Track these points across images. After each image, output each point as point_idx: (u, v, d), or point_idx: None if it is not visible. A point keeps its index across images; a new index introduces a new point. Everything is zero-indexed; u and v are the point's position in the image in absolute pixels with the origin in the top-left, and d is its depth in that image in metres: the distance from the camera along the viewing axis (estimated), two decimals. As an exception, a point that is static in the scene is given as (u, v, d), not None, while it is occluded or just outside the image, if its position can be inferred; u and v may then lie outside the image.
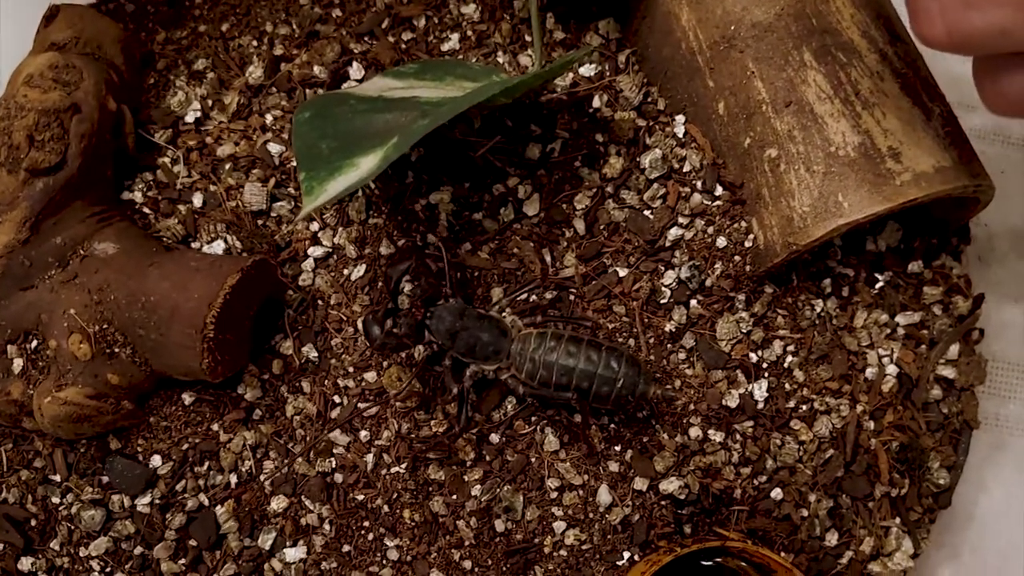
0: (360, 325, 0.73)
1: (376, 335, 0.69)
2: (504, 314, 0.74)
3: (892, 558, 0.78)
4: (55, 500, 0.73)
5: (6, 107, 0.69)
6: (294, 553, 0.73)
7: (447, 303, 0.71)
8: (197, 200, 0.75)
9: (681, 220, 0.75)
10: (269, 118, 0.77)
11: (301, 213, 0.62)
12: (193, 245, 0.75)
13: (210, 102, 0.78)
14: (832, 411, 0.77)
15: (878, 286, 0.80)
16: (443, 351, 0.71)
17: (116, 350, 0.69)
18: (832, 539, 0.77)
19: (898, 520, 0.78)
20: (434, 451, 0.73)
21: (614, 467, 0.74)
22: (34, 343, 0.70)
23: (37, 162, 0.69)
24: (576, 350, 0.69)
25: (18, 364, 0.70)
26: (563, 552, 0.73)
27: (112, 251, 0.70)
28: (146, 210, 0.75)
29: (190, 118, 0.77)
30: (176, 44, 0.80)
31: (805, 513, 0.76)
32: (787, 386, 0.77)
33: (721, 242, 0.75)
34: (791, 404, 0.77)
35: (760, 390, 0.76)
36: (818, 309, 0.78)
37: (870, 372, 0.78)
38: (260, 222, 0.75)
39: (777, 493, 0.76)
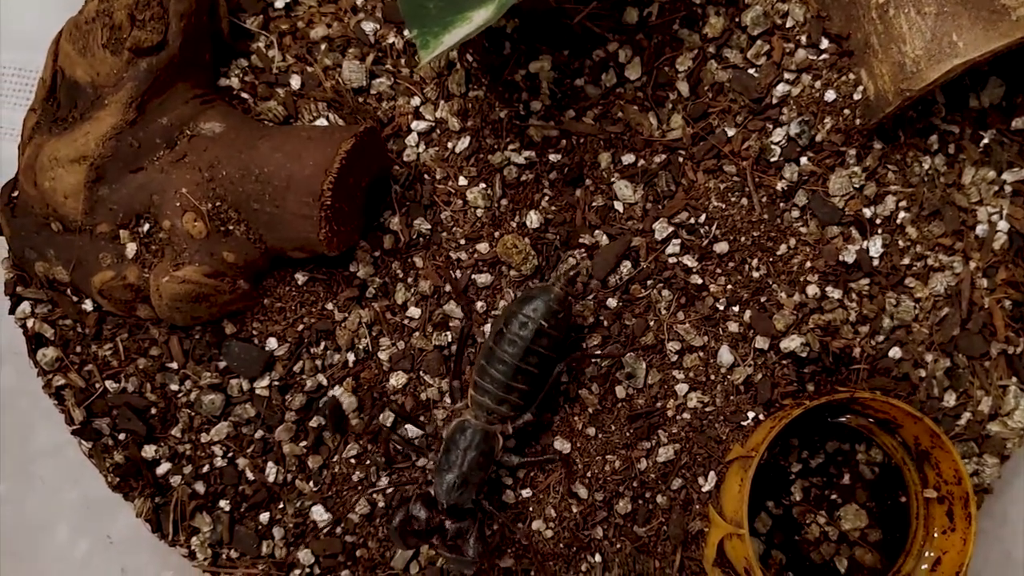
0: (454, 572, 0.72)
1: (471, 556, 0.66)
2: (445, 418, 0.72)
3: (1011, 417, 0.77)
4: (174, 387, 0.73)
5: (104, -10, 0.68)
6: (416, 430, 0.72)
7: (434, 483, 0.68)
8: (295, 82, 0.74)
9: (787, 76, 0.74)
10: (360, -1, 0.76)
11: (420, 64, 0.61)
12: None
13: (298, -13, 0.77)
14: (945, 268, 0.76)
15: (983, 143, 0.78)
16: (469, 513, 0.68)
17: (231, 227, 0.68)
18: (950, 400, 0.76)
19: (1015, 379, 0.77)
20: None
21: (733, 327, 0.73)
22: (146, 227, 0.69)
23: (140, 41, 0.68)
24: (501, 354, 0.66)
25: (131, 248, 0.69)
26: (686, 415, 0.72)
27: (219, 129, 0.69)
28: (244, 95, 0.74)
29: (280, 3, 0.76)
30: (256, -64, 0.79)
31: (923, 373, 0.75)
32: (901, 243, 0.75)
33: (830, 96, 0.73)
34: (905, 261, 0.75)
35: (875, 246, 0.74)
36: (926, 166, 0.76)
37: (981, 229, 0.77)
38: (361, 99, 0.74)
39: (895, 352, 0.75)
